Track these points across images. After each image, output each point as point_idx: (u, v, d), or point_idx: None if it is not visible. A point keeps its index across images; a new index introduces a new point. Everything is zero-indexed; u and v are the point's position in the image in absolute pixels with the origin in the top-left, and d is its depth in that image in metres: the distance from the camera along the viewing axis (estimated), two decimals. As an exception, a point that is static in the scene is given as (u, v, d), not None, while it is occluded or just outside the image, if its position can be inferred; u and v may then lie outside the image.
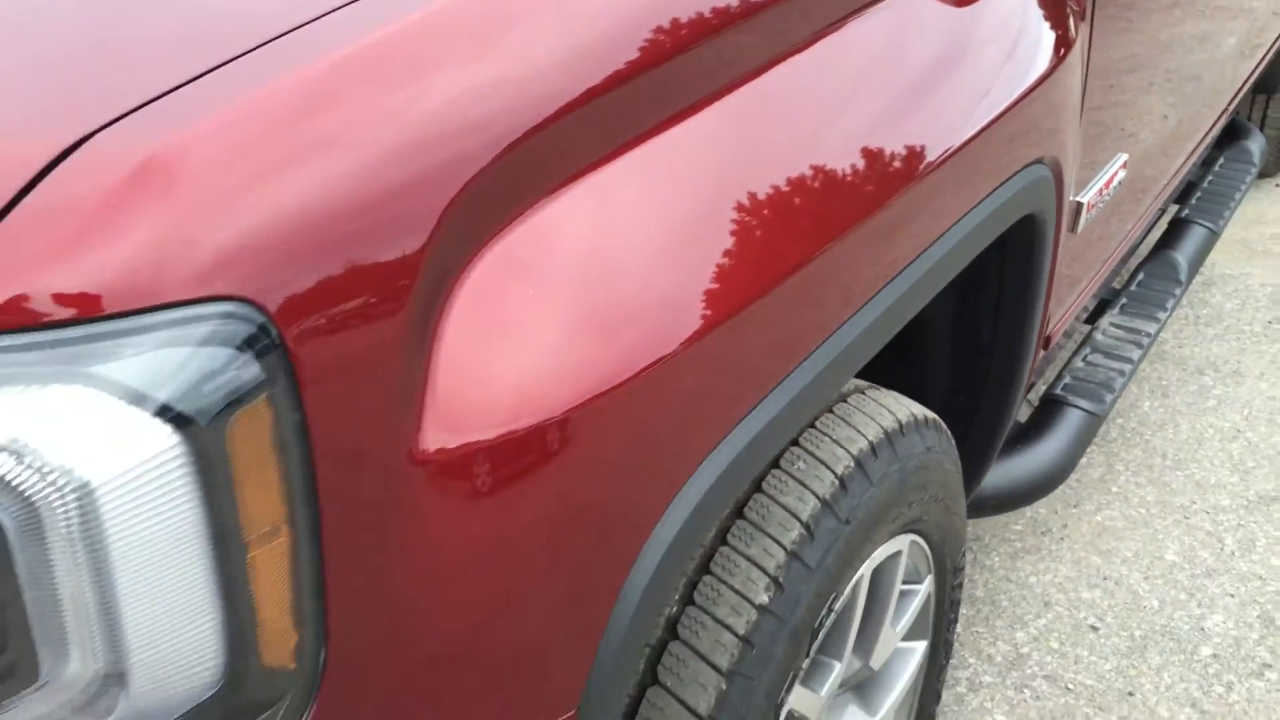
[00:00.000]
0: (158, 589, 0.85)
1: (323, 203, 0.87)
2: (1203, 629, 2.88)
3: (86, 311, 0.80)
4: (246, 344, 0.84)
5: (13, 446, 0.79)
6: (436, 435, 0.94)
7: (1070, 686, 2.72)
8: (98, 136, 0.84)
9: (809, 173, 1.36)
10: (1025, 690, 2.71)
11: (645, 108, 1.14)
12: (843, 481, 1.55)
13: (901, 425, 1.69)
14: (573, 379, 1.02)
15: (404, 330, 0.92)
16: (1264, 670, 2.78)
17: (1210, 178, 3.69)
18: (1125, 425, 3.58)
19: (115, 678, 0.87)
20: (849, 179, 1.41)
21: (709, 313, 1.15)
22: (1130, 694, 2.71)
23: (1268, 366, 3.86)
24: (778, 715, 1.49)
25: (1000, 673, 2.76)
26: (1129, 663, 2.78)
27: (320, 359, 0.88)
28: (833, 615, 1.56)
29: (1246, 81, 3.60)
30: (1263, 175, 4.99)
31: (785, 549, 1.47)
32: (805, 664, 1.53)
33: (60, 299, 0.80)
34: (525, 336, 1.00)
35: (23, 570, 0.82)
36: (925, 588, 1.97)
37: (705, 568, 1.45)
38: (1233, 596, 2.98)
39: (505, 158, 0.97)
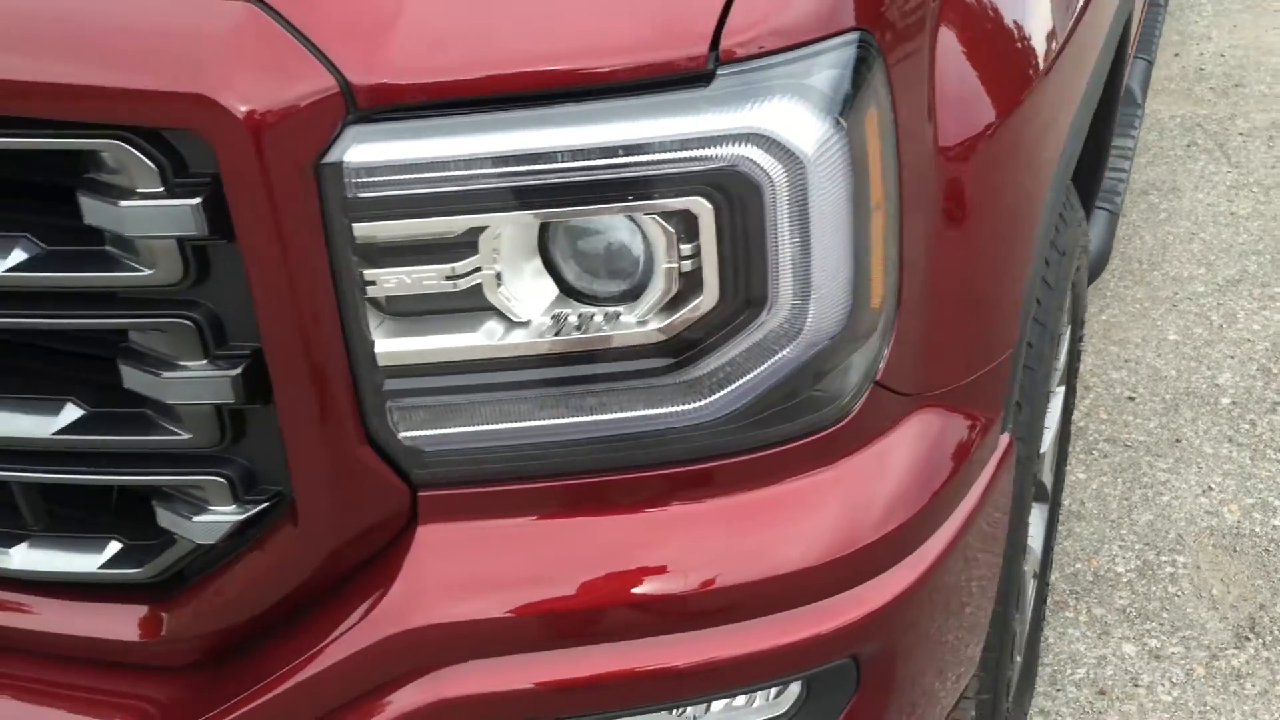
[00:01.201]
0: (829, 240, 1.22)
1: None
2: (1218, 385, 3.42)
3: (795, 43, 1.18)
4: (869, 63, 1.22)
5: (764, 134, 1.17)
6: (947, 131, 1.34)
7: (1128, 444, 3.23)
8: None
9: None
10: (1094, 452, 3.20)
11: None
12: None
13: (1069, 193, 2.14)
14: (999, 95, 1.43)
15: (929, 48, 1.32)
16: (1276, 407, 3.32)
17: (1133, 22, 4.23)
18: (1098, 244, 4.10)
19: (802, 308, 1.25)
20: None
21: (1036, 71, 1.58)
22: (1178, 441, 3.22)
23: (1198, 180, 4.43)
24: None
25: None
26: (1168, 419, 3.30)
27: (899, 74, 1.26)
28: (1065, 327, 2.00)
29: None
30: (1144, 28, 5.59)
31: (1036, 273, 1.90)
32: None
33: (778, 35, 1.17)
34: (982, 63, 1.40)
35: (769, 223, 1.20)
36: (1067, 335, 2.43)
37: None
38: (1232, 358, 3.52)
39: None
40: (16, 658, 1.47)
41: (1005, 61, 1.47)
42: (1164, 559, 2.88)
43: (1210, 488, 3.07)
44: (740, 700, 1.45)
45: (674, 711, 1.45)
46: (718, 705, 1.45)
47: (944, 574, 1.44)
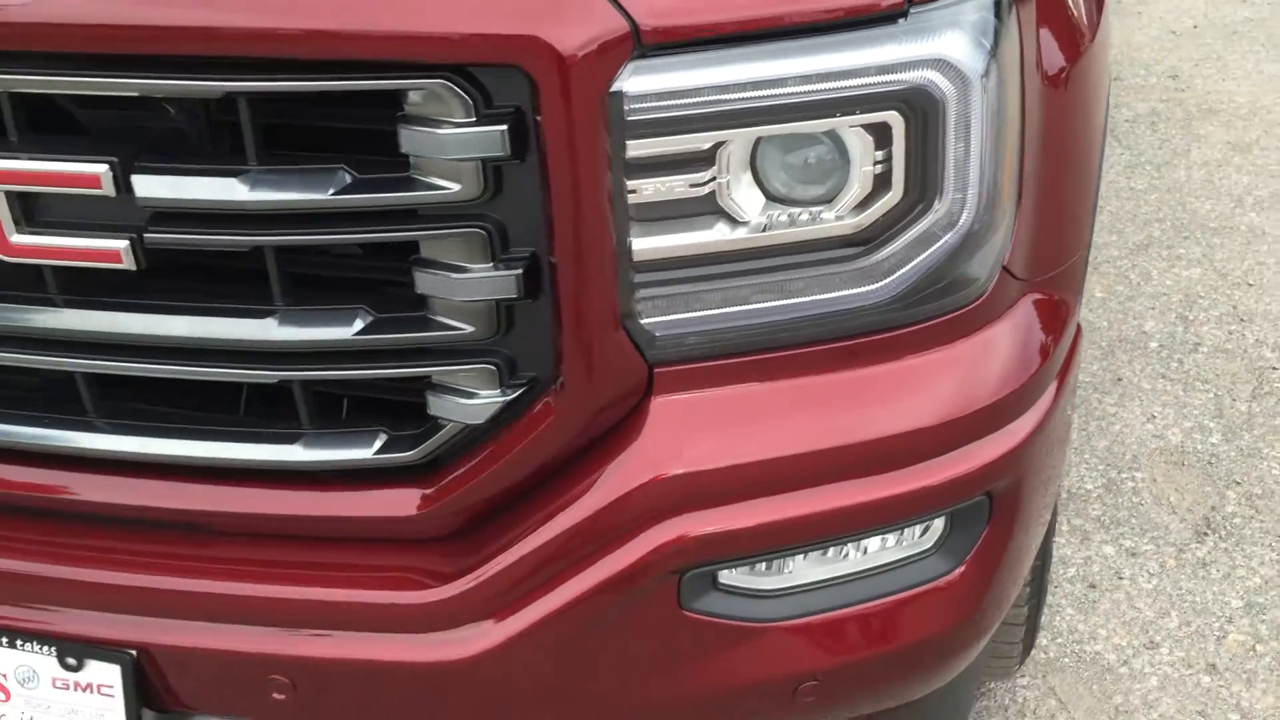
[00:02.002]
0: (981, 145, 1.55)
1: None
2: (1145, 332, 3.86)
3: (960, -10, 1.52)
4: (1005, 6, 1.56)
5: (944, 59, 1.49)
6: (1046, 61, 1.69)
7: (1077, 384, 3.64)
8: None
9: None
10: (1048, 393, 3.61)
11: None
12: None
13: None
14: (1069, 48, 1.79)
15: (1034, 3, 1.67)
16: (1197, 347, 3.77)
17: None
18: (1019, 219, 4.54)
19: (961, 200, 1.58)
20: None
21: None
22: (1119, 379, 3.65)
23: (1097, 162, 4.90)
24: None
25: (1025, 387, 3.65)
26: (1107, 363, 3.72)
27: (1022, 17, 1.61)
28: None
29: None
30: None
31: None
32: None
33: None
34: (1059, 23, 1.76)
35: (943, 132, 1.52)
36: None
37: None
38: (1153, 309, 3.97)
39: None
40: (281, 543, 1.72)
41: (1072, 23, 1.84)
42: (1124, 475, 3.28)
43: (1153, 416, 3.49)
44: (892, 540, 1.77)
45: (835, 551, 1.76)
46: (874, 544, 1.76)
47: (1051, 426, 1.78)
